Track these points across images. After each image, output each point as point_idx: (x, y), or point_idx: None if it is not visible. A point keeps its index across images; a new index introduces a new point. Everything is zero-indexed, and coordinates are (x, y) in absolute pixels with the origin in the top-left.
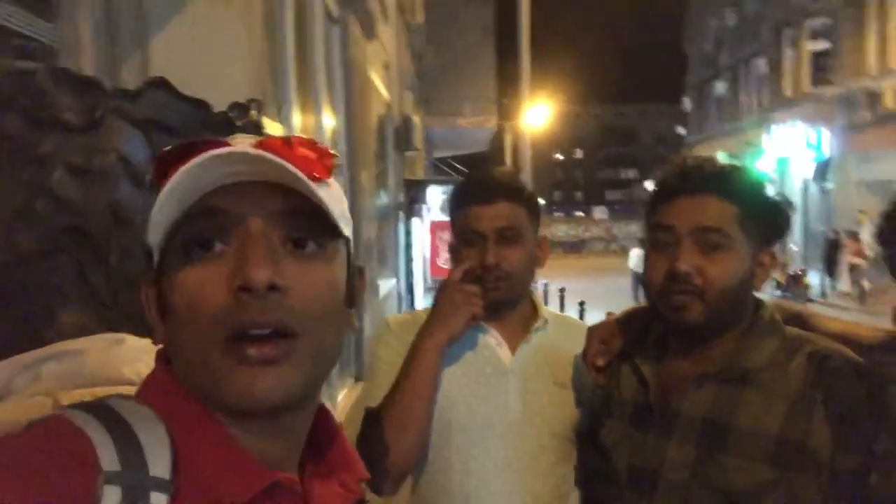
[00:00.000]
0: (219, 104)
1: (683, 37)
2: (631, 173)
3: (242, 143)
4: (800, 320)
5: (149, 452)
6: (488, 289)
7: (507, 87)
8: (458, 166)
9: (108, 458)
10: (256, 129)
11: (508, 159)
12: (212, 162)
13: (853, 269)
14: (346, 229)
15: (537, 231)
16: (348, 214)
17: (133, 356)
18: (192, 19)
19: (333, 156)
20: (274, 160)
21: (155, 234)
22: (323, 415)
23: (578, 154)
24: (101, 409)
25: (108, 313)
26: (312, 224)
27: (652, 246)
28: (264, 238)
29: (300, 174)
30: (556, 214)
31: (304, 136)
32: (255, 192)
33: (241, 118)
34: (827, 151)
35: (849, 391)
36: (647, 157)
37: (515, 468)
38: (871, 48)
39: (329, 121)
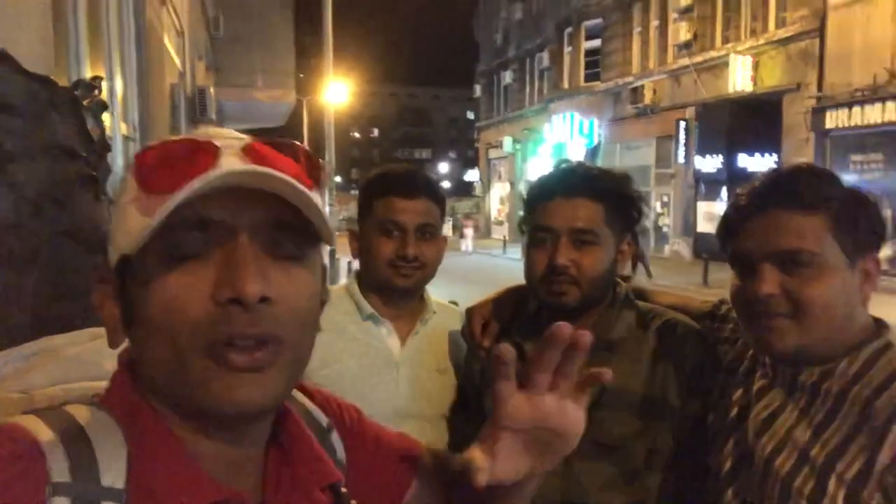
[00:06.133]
0: None
1: (474, 26)
2: (425, 153)
3: (228, 143)
4: (643, 295)
5: (103, 461)
6: (402, 276)
7: (305, 61)
8: None
9: (59, 469)
10: (102, 107)
11: (307, 135)
12: (221, 178)
13: None
14: (330, 237)
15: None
16: (330, 222)
17: (115, 349)
18: None
19: (321, 164)
20: (283, 178)
21: (124, 237)
22: (288, 419)
23: (375, 133)
24: (58, 417)
25: None
26: (297, 233)
27: (532, 242)
28: (252, 248)
29: (304, 188)
30: (354, 192)
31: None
32: (244, 201)
33: (87, 96)
34: (597, 139)
35: (692, 352)
36: (440, 139)
37: None
38: (635, 49)
39: (120, 88)
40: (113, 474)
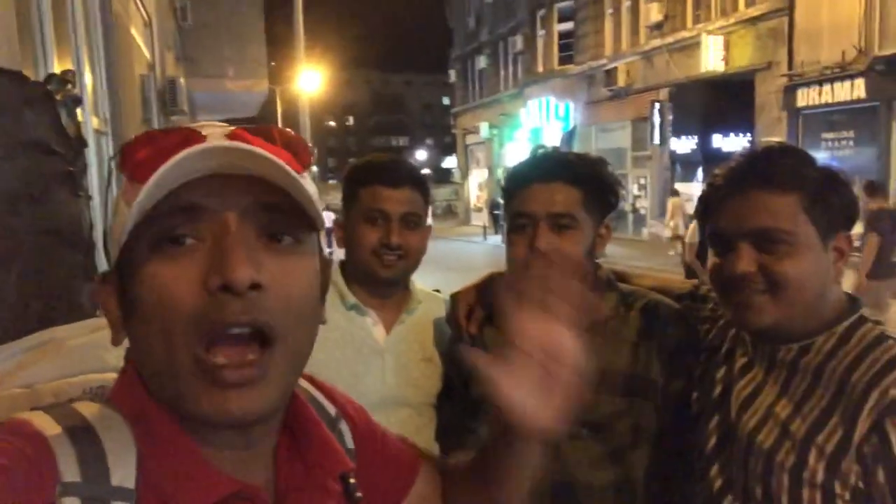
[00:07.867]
0: None
1: (447, 10)
2: (402, 140)
3: (213, 132)
4: (623, 278)
5: (112, 460)
6: (385, 266)
7: (277, 49)
8: None
9: (69, 469)
10: (75, 102)
11: (281, 125)
12: (194, 157)
13: None
14: (322, 223)
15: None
16: (321, 207)
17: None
18: None
19: (311, 149)
20: (263, 155)
21: (119, 230)
22: (297, 405)
23: (350, 121)
24: (67, 415)
25: None
26: (290, 218)
27: (513, 229)
28: (242, 234)
29: (289, 169)
30: (332, 182)
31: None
32: (233, 186)
33: (59, 90)
34: (572, 123)
35: (674, 332)
36: (415, 126)
37: None
38: (607, 31)
39: (90, 82)
40: (123, 474)
